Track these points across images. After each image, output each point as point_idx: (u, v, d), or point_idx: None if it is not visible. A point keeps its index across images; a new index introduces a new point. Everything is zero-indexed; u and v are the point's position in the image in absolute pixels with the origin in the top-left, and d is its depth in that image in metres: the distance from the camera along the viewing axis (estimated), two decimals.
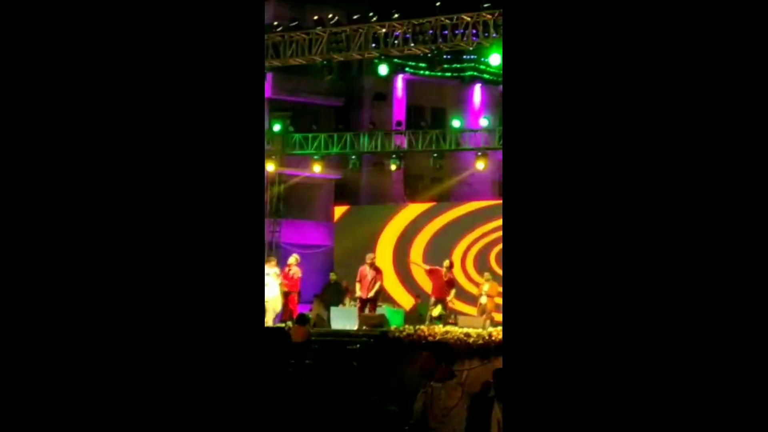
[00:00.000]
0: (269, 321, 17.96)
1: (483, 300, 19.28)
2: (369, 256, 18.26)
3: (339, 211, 25.89)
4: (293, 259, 19.19)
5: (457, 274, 20.78)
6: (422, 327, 17.08)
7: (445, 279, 18.85)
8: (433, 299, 19.04)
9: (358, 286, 17.98)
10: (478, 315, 19.06)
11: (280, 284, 18.49)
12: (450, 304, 19.05)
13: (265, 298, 18.36)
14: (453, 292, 19.05)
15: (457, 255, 22.61)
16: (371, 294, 17.86)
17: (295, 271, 18.98)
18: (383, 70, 19.31)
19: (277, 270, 18.71)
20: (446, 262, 19.42)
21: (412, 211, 24.81)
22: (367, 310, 17.81)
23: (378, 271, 17.99)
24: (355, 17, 19.10)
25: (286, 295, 18.75)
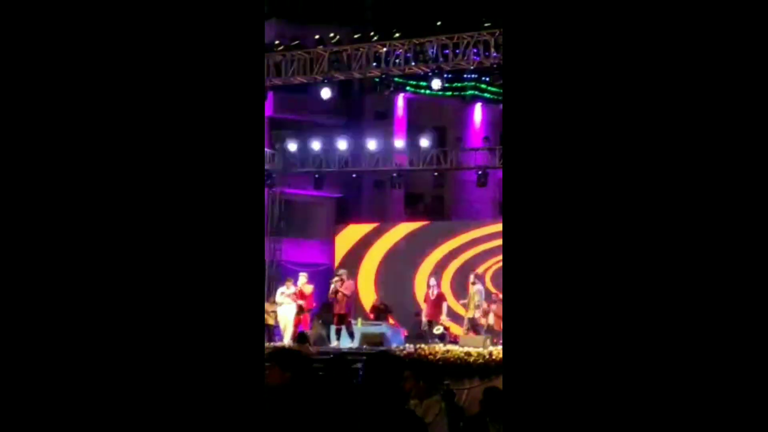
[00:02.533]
0: (287, 342, 18.22)
1: (491, 320, 19.15)
2: (338, 273, 18.65)
3: (340, 229, 25.89)
4: (304, 278, 19.57)
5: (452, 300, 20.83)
6: (423, 346, 17.09)
7: (433, 298, 19.12)
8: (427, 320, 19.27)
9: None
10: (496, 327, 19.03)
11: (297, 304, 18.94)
12: (442, 322, 19.27)
13: (287, 319, 18.74)
14: (444, 306, 19.31)
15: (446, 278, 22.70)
16: (343, 310, 18.35)
17: (309, 289, 19.39)
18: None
19: (294, 289, 19.11)
20: (431, 281, 19.69)
21: (403, 229, 24.79)
22: (344, 326, 18.24)
23: (344, 284, 18.38)
24: (356, 36, 19.20)
25: (300, 314, 19.16)
